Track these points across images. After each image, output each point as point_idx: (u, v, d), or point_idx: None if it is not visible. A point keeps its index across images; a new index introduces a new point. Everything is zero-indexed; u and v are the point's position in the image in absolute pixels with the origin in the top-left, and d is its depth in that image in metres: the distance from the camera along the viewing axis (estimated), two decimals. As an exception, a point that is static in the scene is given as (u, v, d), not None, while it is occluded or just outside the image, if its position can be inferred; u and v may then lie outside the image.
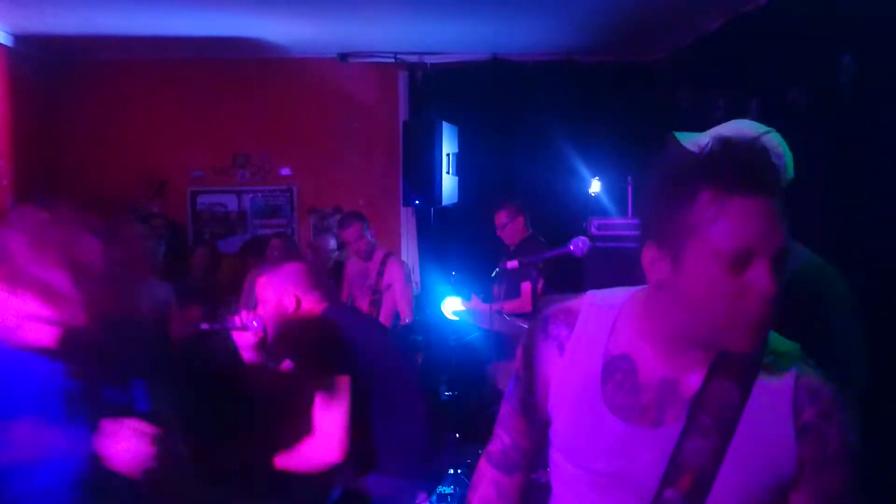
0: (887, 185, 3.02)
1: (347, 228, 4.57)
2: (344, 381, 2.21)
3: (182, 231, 5.96)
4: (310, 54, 6.00)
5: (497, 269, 3.10)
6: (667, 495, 1.04)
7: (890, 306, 2.82)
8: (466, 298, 4.57)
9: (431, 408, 2.49)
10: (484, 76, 5.95)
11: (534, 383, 1.21)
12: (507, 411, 1.29)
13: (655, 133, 2.18)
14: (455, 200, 5.34)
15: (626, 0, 4.46)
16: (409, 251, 6.26)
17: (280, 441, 2.45)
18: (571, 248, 2.77)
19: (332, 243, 4.68)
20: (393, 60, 6.01)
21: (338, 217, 5.02)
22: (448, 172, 5.07)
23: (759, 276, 0.96)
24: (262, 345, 2.35)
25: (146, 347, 1.66)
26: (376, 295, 4.71)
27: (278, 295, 2.39)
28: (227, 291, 4.84)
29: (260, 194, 6.22)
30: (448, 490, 3.77)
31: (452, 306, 4.16)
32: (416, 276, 6.05)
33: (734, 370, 1.06)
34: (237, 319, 2.31)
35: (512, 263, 2.95)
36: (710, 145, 1.02)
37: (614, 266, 2.34)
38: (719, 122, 1.66)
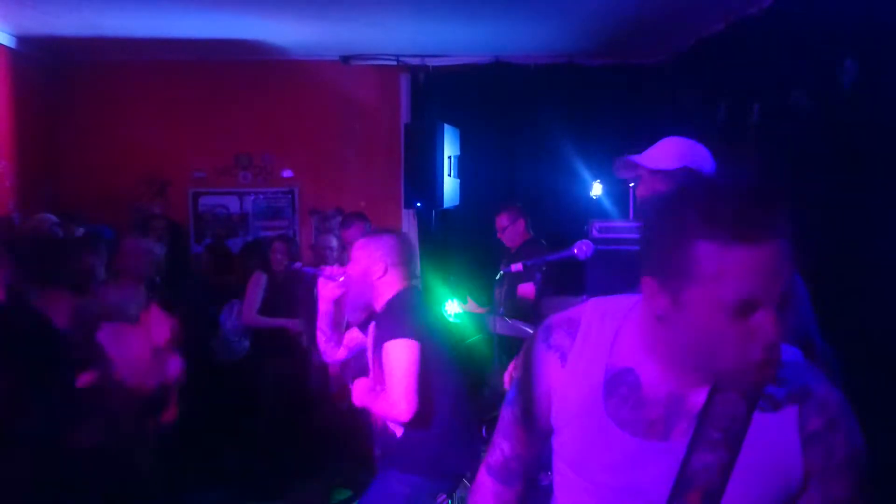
0: (888, 188, 3.02)
1: (349, 228, 4.57)
2: (415, 347, 2.31)
3: (183, 232, 5.97)
4: (312, 56, 6.01)
5: (500, 273, 3.11)
6: None
7: (890, 307, 2.82)
8: (464, 301, 4.58)
9: (466, 411, 2.53)
10: (486, 79, 5.95)
11: (535, 393, 1.20)
12: (507, 420, 1.28)
13: (657, 136, 2.18)
14: (456, 203, 5.34)
15: (627, 3, 4.46)
16: (410, 253, 6.25)
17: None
18: (575, 251, 2.77)
19: (334, 242, 4.68)
20: (395, 63, 6.02)
21: (339, 219, 5.03)
22: (449, 175, 5.08)
23: (763, 324, 0.94)
24: (340, 300, 2.64)
25: None
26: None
27: (370, 259, 2.50)
28: (232, 293, 4.85)
29: (262, 196, 6.23)
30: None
31: (453, 309, 4.17)
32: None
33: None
34: (327, 270, 2.62)
35: (516, 266, 2.95)
36: (707, 192, 0.97)
37: (615, 269, 2.34)
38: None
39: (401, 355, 2.30)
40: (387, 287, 2.50)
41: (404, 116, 6.11)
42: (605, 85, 5.91)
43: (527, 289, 4.16)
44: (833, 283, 2.69)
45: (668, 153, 2.03)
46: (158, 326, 3.23)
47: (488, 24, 5.05)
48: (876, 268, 2.98)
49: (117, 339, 2.95)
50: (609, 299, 1.20)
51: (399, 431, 2.42)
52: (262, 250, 4.90)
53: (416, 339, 2.31)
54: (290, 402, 4.49)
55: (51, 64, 5.83)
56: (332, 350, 2.88)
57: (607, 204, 5.00)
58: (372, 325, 2.55)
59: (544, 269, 3.13)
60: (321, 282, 2.69)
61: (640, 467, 1.07)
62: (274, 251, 4.69)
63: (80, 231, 4.41)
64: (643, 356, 1.10)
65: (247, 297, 4.60)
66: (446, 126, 5.03)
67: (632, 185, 2.30)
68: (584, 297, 3.04)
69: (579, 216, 4.41)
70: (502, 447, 1.28)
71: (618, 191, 4.90)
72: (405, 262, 2.55)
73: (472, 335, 4.46)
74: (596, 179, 5.14)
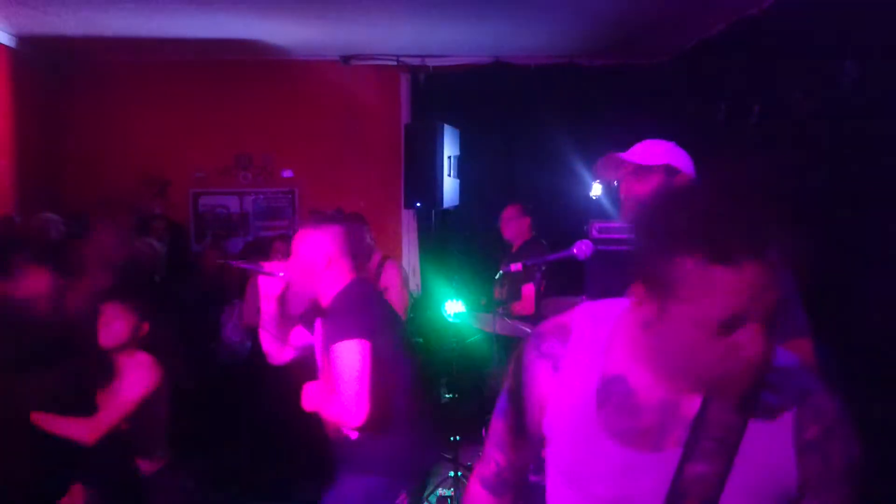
0: (888, 190, 3.02)
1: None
2: (366, 347, 2.16)
3: (184, 232, 5.97)
4: (312, 56, 6.01)
5: (500, 272, 3.10)
6: None
7: (890, 307, 2.82)
8: (465, 301, 4.57)
9: (427, 407, 2.45)
10: (486, 79, 5.96)
11: (527, 403, 1.18)
12: (499, 431, 1.25)
13: (657, 137, 2.18)
14: (456, 203, 5.34)
15: (628, 3, 4.46)
16: (410, 253, 6.26)
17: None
18: (575, 251, 2.77)
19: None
20: (395, 63, 6.02)
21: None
22: (449, 175, 5.08)
23: (749, 341, 0.92)
24: (283, 296, 2.39)
25: None
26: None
27: (311, 251, 2.33)
28: (233, 293, 4.85)
29: (262, 196, 6.24)
30: (448, 493, 3.78)
31: (453, 308, 4.16)
32: (416, 279, 6.06)
33: None
34: (266, 265, 2.35)
35: (516, 266, 2.95)
36: (688, 211, 0.93)
37: (615, 269, 2.34)
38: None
39: (352, 357, 2.15)
40: (332, 281, 2.32)
41: (404, 116, 6.12)
42: (605, 85, 5.92)
43: (532, 289, 4.16)
44: (832, 284, 2.69)
45: (650, 150, 2.05)
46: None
47: (488, 25, 5.05)
48: (875, 268, 2.99)
49: None
50: (599, 304, 1.18)
51: (354, 434, 2.30)
52: (263, 250, 4.90)
53: (367, 339, 2.16)
54: (291, 403, 4.48)
55: (51, 64, 5.84)
56: (279, 351, 2.60)
57: (607, 204, 4.99)
58: (318, 323, 2.39)
59: (544, 268, 3.12)
60: (261, 278, 2.42)
61: (633, 478, 1.05)
62: (274, 251, 4.69)
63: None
64: (634, 363, 1.07)
65: (247, 298, 4.60)
66: (446, 126, 5.03)
67: (615, 183, 2.30)
68: (584, 297, 3.05)
69: (579, 216, 4.41)
70: (496, 458, 1.26)
71: (617, 191, 4.89)
72: (350, 253, 2.37)
73: (473, 335, 4.47)
74: (595, 180, 5.14)
